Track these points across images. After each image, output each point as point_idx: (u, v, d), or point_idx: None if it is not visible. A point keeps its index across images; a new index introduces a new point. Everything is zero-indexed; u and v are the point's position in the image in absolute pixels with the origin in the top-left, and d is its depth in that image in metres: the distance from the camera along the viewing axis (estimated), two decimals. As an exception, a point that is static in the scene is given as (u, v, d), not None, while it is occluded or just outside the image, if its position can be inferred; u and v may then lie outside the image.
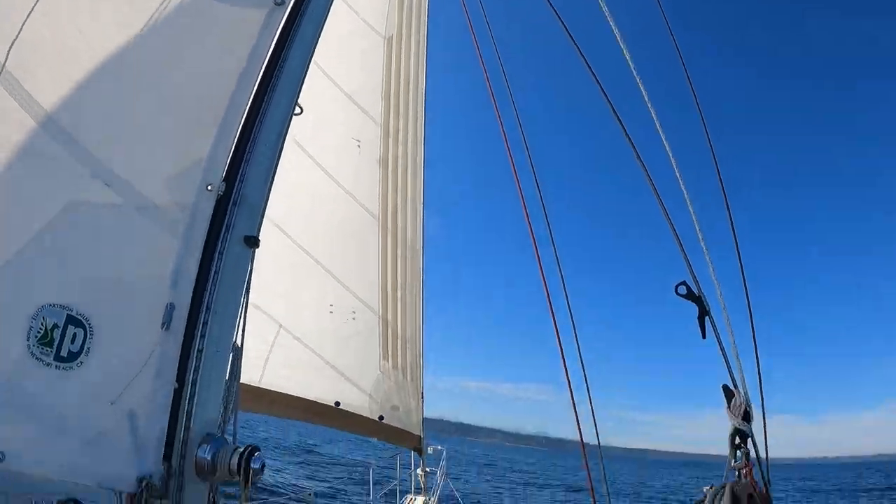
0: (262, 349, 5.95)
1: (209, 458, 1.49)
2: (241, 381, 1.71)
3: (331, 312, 6.21)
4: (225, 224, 1.70)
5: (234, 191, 1.75)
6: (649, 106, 2.37)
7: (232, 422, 1.69)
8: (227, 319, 1.66)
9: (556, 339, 3.04)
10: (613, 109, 2.41)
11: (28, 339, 1.33)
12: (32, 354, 1.33)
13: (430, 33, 6.68)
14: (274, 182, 1.86)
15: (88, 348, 1.40)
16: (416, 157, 6.70)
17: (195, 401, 1.52)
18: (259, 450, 1.56)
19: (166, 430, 1.48)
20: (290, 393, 6.10)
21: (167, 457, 1.46)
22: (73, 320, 1.40)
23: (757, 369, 1.76)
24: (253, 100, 1.84)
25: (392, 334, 6.54)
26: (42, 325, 1.35)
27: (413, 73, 6.57)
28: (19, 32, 1.47)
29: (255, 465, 1.52)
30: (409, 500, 9.24)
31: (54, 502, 1.30)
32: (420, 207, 6.65)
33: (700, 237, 1.97)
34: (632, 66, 2.46)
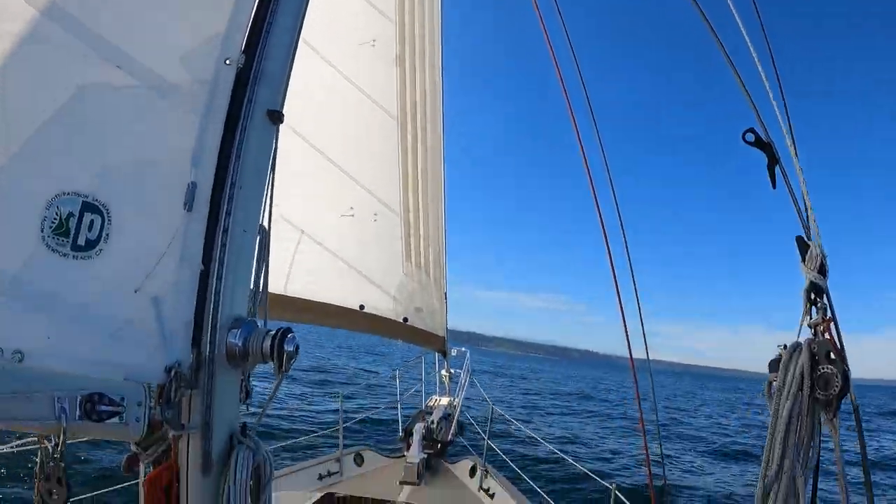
0: (285, 257, 5.97)
1: (240, 343, 1.44)
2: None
3: (352, 216, 6.16)
4: (246, 98, 1.58)
5: (255, 63, 1.62)
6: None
7: (263, 305, 1.63)
8: (253, 198, 1.58)
9: (605, 245, 2.97)
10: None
11: (42, 231, 1.26)
12: (48, 246, 1.26)
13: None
14: (295, 58, 1.74)
15: (107, 235, 1.33)
16: (433, 55, 6.40)
17: (223, 284, 1.44)
18: (292, 331, 1.50)
19: (194, 316, 1.41)
20: (315, 299, 6.20)
21: (196, 344, 1.40)
22: (89, 207, 1.33)
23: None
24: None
25: (414, 235, 6.51)
26: (56, 214, 1.28)
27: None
28: None
29: (288, 348, 1.47)
30: (433, 400, 9.65)
31: (78, 398, 1.26)
32: (439, 105, 6.40)
33: (764, 79, 1.75)
34: None
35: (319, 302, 6.19)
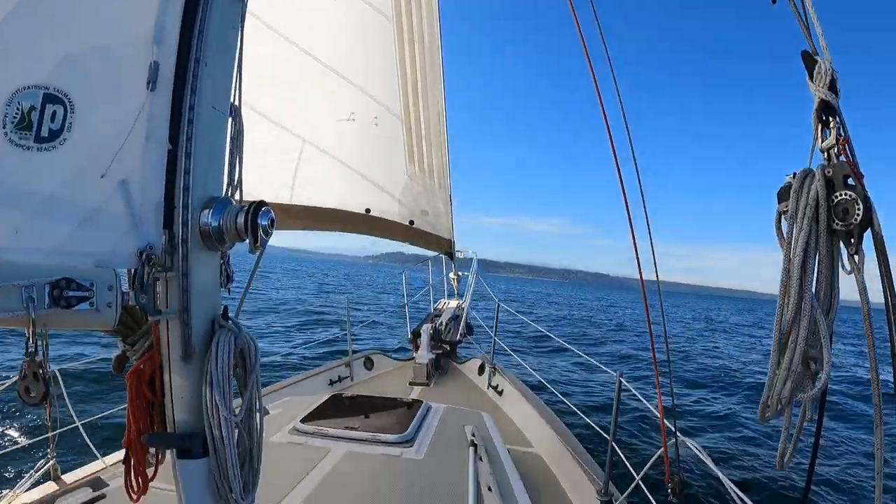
0: (289, 167, 5.94)
1: (214, 222, 1.40)
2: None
3: (352, 120, 6.05)
4: None
5: None
6: None
7: (238, 185, 1.58)
8: (221, 75, 1.51)
9: (616, 167, 2.87)
10: None
11: (4, 128, 1.23)
12: (11, 141, 1.23)
13: None
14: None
15: (70, 124, 1.30)
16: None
17: (192, 163, 1.39)
18: (266, 204, 1.44)
19: (164, 198, 1.37)
20: (321, 206, 6.24)
21: (168, 226, 1.36)
22: (50, 98, 1.30)
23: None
24: None
25: (416, 137, 6.43)
26: (18, 109, 1.25)
27: None
28: None
29: (263, 221, 1.43)
30: (442, 303, 9.83)
31: (46, 286, 1.25)
32: (435, 3, 6.12)
33: None
34: None
35: (325, 208, 6.22)
